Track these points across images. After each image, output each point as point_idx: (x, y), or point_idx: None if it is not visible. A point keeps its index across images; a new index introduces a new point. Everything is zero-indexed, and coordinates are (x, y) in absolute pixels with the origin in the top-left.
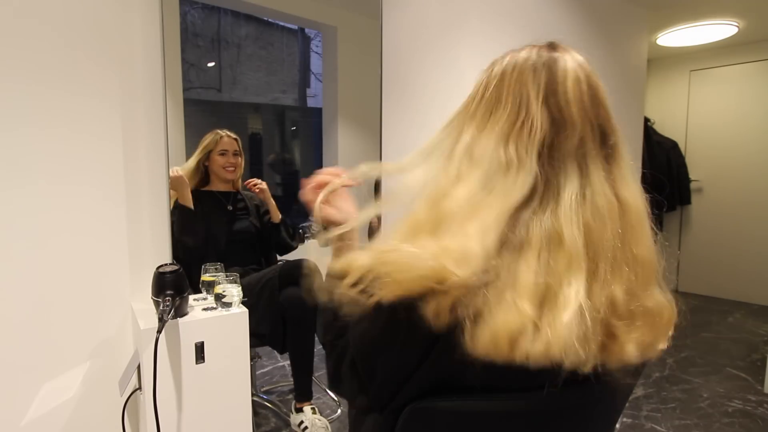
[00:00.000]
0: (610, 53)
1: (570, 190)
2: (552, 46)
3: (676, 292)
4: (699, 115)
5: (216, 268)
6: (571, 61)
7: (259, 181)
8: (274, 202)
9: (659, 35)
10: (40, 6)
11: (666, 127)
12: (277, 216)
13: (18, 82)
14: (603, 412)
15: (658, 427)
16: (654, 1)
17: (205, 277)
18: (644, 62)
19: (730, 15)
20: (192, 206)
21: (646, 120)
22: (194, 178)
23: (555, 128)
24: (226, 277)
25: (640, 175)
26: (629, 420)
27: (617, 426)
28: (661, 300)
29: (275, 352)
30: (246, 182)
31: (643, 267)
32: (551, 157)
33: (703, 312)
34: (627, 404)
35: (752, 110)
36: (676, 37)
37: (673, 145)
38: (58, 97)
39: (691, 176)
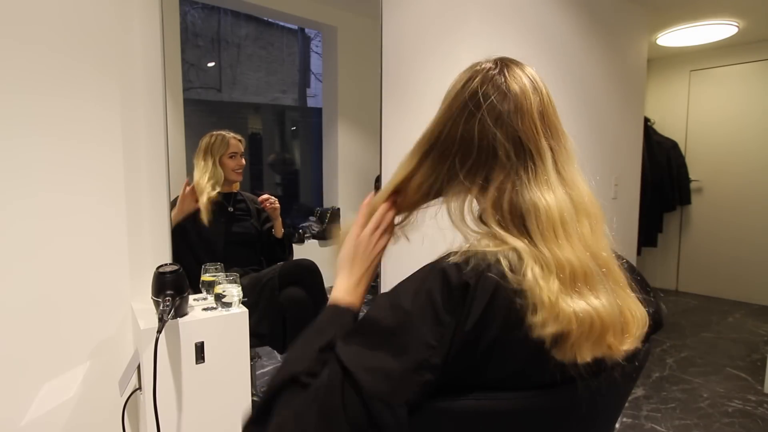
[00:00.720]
0: (610, 53)
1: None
2: (473, 66)
3: (676, 292)
4: (699, 115)
5: (216, 268)
6: (480, 80)
7: (274, 199)
8: (280, 220)
9: (659, 35)
10: (38, 7)
11: (666, 127)
12: (280, 232)
13: (16, 84)
14: (604, 408)
15: (658, 427)
16: (654, 1)
17: (205, 277)
18: (644, 62)
19: (730, 15)
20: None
21: (646, 120)
22: (211, 183)
23: (463, 146)
24: (226, 277)
25: (640, 175)
26: (629, 420)
27: (617, 426)
28: (588, 306)
29: (275, 352)
30: (260, 198)
31: (562, 270)
32: (476, 178)
33: (703, 312)
34: (627, 404)
35: (752, 110)
36: (676, 37)
37: (673, 145)
38: (57, 97)
39: (691, 176)
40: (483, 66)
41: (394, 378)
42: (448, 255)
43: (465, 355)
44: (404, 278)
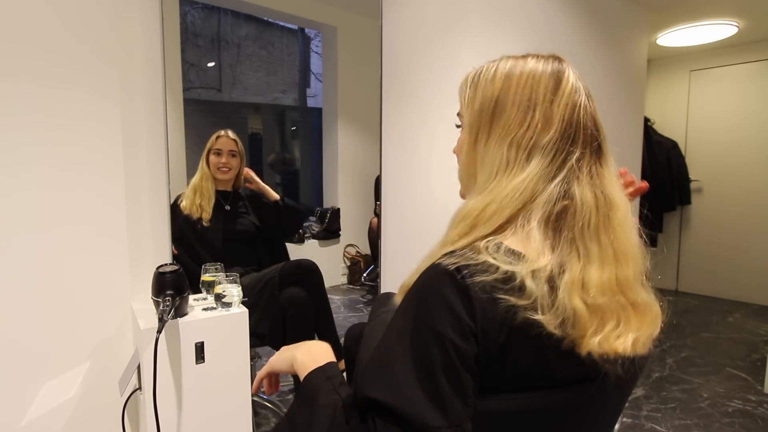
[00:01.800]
0: (610, 53)
1: (561, 187)
2: (557, 59)
3: (676, 292)
4: (699, 115)
5: (216, 268)
6: (572, 74)
7: (247, 171)
8: (266, 186)
9: (659, 35)
10: (39, 6)
11: (666, 127)
12: (274, 195)
13: (16, 83)
14: (609, 407)
15: (658, 427)
16: (654, 1)
17: (205, 277)
18: (644, 62)
19: (730, 15)
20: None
21: (646, 120)
22: (208, 182)
23: (554, 132)
24: (226, 277)
25: (640, 175)
26: (629, 420)
27: (617, 426)
28: (645, 297)
29: (275, 352)
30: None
31: (626, 261)
32: (552, 158)
33: (703, 312)
34: (627, 404)
35: (752, 110)
36: (676, 37)
37: (673, 145)
38: (57, 97)
39: (691, 176)
40: (560, 66)
41: (452, 404)
42: (446, 256)
43: (487, 357)
44: (408, 293)
